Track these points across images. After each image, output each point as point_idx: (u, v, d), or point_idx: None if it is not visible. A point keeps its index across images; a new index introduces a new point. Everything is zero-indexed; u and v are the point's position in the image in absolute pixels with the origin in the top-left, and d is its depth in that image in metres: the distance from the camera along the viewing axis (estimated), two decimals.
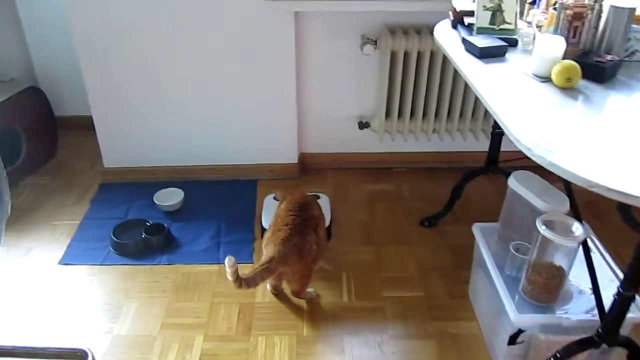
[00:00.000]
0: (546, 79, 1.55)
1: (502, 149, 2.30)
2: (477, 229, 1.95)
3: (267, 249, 1.91)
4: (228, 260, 1.75)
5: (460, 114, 2.62)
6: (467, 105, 2.58)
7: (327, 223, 2.27)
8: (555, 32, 1.66)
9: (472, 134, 2.68)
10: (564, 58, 1.54)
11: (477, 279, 2.02)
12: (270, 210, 2.34)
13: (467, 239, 2.27)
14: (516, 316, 1.60)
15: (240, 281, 1.78)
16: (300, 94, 2.65)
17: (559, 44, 1.54)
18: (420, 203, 2.62)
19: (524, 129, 1.29)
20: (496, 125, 2.26)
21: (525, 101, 1.46)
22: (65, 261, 2.25)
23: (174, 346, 1.88)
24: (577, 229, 1.59)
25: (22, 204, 2.61)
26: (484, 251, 1.84)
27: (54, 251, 2.30)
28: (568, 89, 1.50)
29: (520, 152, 1.25)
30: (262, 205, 2.48)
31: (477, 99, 2.57)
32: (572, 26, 1.64)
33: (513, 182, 1.79)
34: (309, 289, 2.05)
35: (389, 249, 2.33)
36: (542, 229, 1.57)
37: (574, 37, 1.65)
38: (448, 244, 2.35)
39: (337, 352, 1.86)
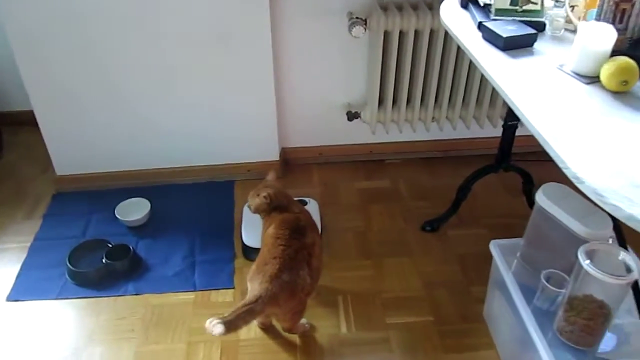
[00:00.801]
0: (593, 80, 1.24)
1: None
2: (495, 247, 1.66)
3: (252, 284, 1.60)
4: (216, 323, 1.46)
5: (463, 100, 2.30)
6: (471, 91, 2.26)
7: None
8: (597, 17, 1.34)
9: (476, 122, 2.38)
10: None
11: (494, 301, 1.75)
12: (251, 221, 2.04)
13: (476, 246, 2.03)
14: None
15: (229, 328, 1.46)
16: (279, 82, 2.30)
17: (609, 36, 1.23)
18: (420, 201, 2.33)
19: (585, 162, 0.98)
20: (510, 117, 1.95)
21: (572, 112, 1.15)
22: (13, 297, 1.92)
23: None
24: (626, 259, 1.32)
25: None
26: (507, 277, 1.57)
27: (0, 284, 1.97)
28: (622, 92, 1.20)
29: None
30: (241, 213, 2.16)
31: (482, 84, 2.25)
32: (619, 9, 1.32)
33: (543, 199, 1.49)
34: (302, 321, 1.76)
35: (389, 262, 2.04)
36: (586, 264, 1.29)
37: (620, 22, 1.33)
38: (455, 252, 2.08)
39: None
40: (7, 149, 2.68)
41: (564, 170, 1.01)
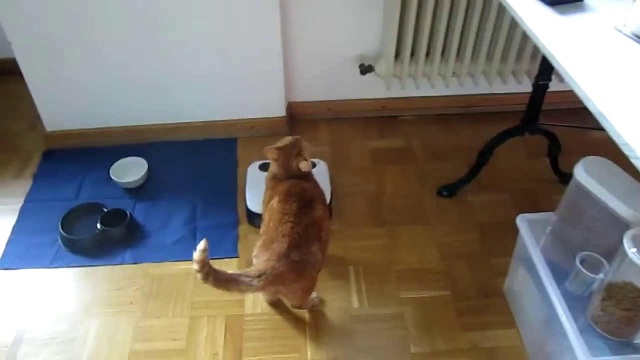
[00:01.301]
0: None
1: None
2: (523, 222, 1.52)
3: (257, 260, 1.48)
4: (200, 245, 1.33)
5: (487, 54, 2.09)
6: (497, 44, 2.05)
7: (327, 199, 1.83)
8: None
9: (500, 78, 2.18)
10: None
11: (517, 276, 1.63)
12: (256, 184, 1.90)
13: (497, 214, 1.92)
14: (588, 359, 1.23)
15: (207, 273, 1.34)
16: (286, 30, 2.09)
17: None
18: (436, 163, 2.18)
19: None
20: (542, 75, 1.76)
21: (632, 82, 0.98)
22: (4, 265, 1.80)
23: None
24: None
25: None
26: (535, 255, 1.43)
27: None
28: None
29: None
30: (245, 175, 2.02)
31: (509, 36, 2.04)
32: None
33: (582, 175, 1.34)
34: (311, 296, 1.65)
35: (404, 230, 1.91)
36: (632, 252, 1.15)
37: None
38: (473, 220, 1.94)
39: None
40: None
41: (622, 147, 0.86)
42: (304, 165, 1.54)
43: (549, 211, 1.95)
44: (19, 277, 1.77)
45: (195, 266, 1.33)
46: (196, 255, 1.32)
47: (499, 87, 2.23)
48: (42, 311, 1.68)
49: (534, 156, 2.16)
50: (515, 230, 1.53)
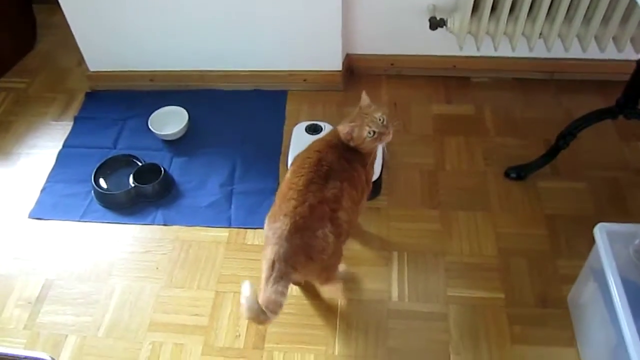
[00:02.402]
0: None
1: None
2: (602, 232, 1.27)
3: (265, 241, 1.32)
4: (245, 289, 1.21)
5: (585, 15, 1.74)
6: (599, 2, 1.70)
7: (376, 173, 1.64)
8: None
9: (596, 43, 1.83)
10: None
11: (586, 289, 1.40)
12: (300, 148, 1.71)
13: (570, 206, 1.69)
14: None
15: (261, 317, 1.21)
16: None
17: None
18: (508, 137, 1.90)
19: None
20: None
21: None
22: (36, 214, 1.76)
23: None
24: None
25: None
26: (611, 276, 1.19)
27: (24, 197, 1.80)
28: None
29: None
30: (290, 133, 1.83)
31: None
32: None
33: None
34: (340, 269, 1.47)
35: (460, 215, 1.69)
36: None
37: None
38: (542, 211, 1.69)
39: None
40: (43, 33, 2.41)
41: None
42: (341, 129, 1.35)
43: (634, 210, 1.68)
44: (49, 227, 1.73)
45: (248, 314, 1.20)
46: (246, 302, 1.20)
47: (594, 54, 1.87)
48: (68, 267, 1.63)
49: (625, 139, 1.84)
50: (591, 229, 1.28)
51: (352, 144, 1.37)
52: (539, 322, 1.46)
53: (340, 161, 1.36)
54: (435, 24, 1.86)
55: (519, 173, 1.76)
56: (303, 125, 1.81)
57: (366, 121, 1.35)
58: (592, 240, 1.28)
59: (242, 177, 1.82)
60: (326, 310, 1.50)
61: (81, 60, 2.15)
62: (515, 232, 1.65)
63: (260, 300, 1.21)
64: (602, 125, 1.69)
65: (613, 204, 1.69)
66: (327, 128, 1.76)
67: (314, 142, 1.43)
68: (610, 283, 1.19)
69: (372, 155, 1.46)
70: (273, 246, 1.26)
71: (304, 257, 1.28)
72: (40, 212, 1.75)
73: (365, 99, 1.40)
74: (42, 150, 1.95)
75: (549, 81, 2.07)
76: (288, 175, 1.36)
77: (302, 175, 1.30)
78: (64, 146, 1.95)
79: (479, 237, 1.64)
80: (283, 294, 1.24)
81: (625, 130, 1.85)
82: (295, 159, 1.41)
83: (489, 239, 1.63)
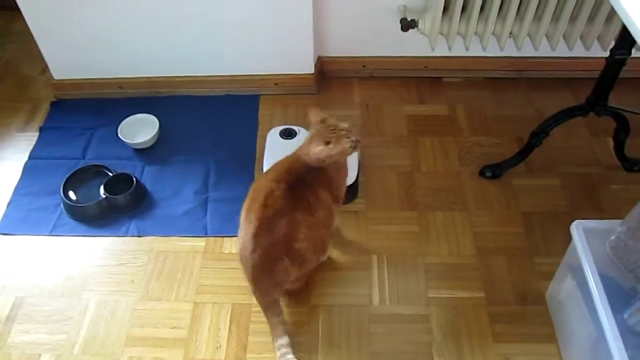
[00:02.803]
0: None
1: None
2: (578, 230, 1.28)
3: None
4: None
5: (554, 13, 1.76)
6: (565, 3, 1.72)
7: (352, 177, 1.63)
8: None
9: (565, 41, 1.86)
10: None
11: (564, 285, 1.42)
12: (275, 153, 1.69)
13: (545, 203, 1.72)
14: None
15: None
16: None
17: None
18: (482, 136, 1.92)
19: None
20: (621, 46, 1.45)
21: None
22: (3, 230, 1.69)
23: None
24: None
25: None
26: (590, 273, 1.21)
27: None
28: None
29: None
30: (264, 138, 1.81)
31: None
32: None
33: None
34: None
35: (437, 216, 1.70)
36: None
37: None
38: (519, 209, 1.70)
39: None
40: (3, 41, 2.32)
41: None
42: (318, 151, 1.31)
43: (607, 206, 1.71)
44: (18, 243, 1.66)
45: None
46: None
47: (563, 51, 1.90)
48: (39, 283, 1.57)
49: (596, 135, 1.88)
50: (567, 225, 1.29)
51: (326, 162, 1.32)
52: (519, 320, 1.47)
53: (294, 190, 1.31)
54: (407, 25, 1.86)
55: (494, 172, 1.78)
56: (277, 129, 1.80)
57: (341, 134, 1.32)
58: (568, 237, 1.30)
59: (216, 184, 1.79)
60: (308, 318, 1.49)
61: (45, 68, 2.08)
62: (493, 230, 1.66)
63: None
64: (572, 121, 1.71)
65: (586, 199, 1.72)
66: (301, 132, 1.75)
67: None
68: (589, 279, 1.21)
69: (342, 171, 1.43)
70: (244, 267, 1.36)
71: (273, 286, 1.37)
72: (7, 227, 1.69)
73: (316, 113, 1.37)
74: (7, 162, 1.88)
75: (520, 79, 2.09)
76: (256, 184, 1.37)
77: (256, 210, 1.28)
78: (30, 158, 1.88)
79: (457, 237, 1.64)
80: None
81: (595, 126, 1.88)
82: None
83: (467, 239, 1.64)
